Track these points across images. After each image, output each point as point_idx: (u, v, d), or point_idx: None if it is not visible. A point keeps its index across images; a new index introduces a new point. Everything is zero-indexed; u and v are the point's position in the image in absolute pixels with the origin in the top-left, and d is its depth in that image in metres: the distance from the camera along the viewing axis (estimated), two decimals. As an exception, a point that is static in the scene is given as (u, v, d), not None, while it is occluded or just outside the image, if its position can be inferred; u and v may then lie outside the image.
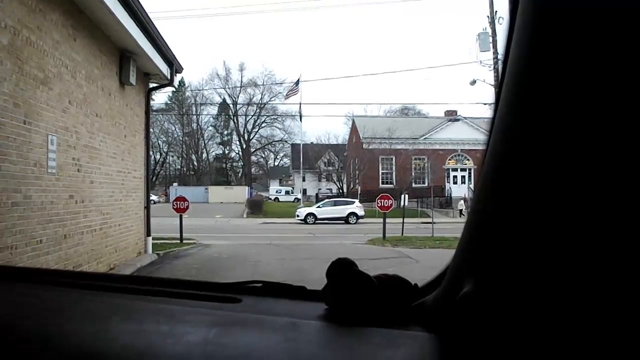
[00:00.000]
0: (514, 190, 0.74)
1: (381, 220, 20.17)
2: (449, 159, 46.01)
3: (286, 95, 51.40)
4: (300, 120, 54.14)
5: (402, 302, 1.11)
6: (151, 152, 16.90)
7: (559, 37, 0.64)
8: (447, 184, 43.89)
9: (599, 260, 0.62)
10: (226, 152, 76.86)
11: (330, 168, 55.88)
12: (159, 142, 68.98)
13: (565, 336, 0.67)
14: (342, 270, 1.13)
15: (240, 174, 76.21)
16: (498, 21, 24.38)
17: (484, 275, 0.84)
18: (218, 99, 73.47)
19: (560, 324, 0.68)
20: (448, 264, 1.01)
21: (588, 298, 0.64)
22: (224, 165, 76.91)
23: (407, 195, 25.21)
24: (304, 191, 53.82)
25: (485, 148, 0.82)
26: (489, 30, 24.92)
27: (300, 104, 51.75)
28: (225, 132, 75.60)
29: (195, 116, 72.37)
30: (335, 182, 53.15)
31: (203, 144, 74.92)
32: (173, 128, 72.61)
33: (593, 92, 0.61)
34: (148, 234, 12.52)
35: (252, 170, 76.15)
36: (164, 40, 11.37)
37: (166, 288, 1.39)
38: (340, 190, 49.63)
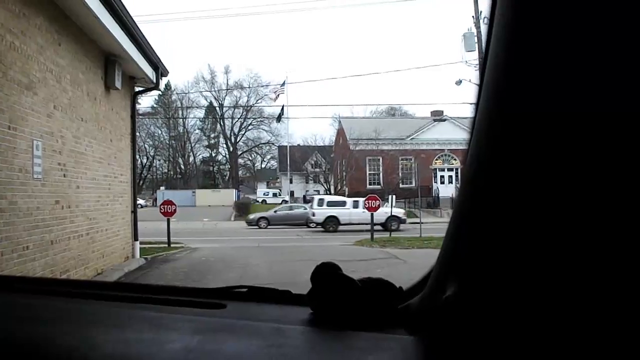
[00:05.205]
0: (495, 190, 0.73)
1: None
2: (436, 159, 46.07)
3: (275, 95, 51.58)
4: (278, 121, 54.34)
5: (387, 305, 1.10)
6: (137, 156, 16.80)
7: (538, 35, 0.64)
8: (434, 184, 43.88)
9: (582, 258, 0.62)
10: (213, 155, 76.31)
11: (318, 170, 55.76)
12: (146, 146, 68.30)
13: (551, 337, 0.66)
14: (326, 274, 1.13)
15: (227, 177, 75.69)
16: (483, 21, 24.39)
17: (467, 277, 0.83)
18: (204, 102, 72.90)
19: (545, 324, 0.67)
20: (433, 266, 1.00)
21: (573, 297, 0.64)
22: (211, 168, 76.32)
23: (394, 196, 25.29)
24: (292, 193, 53.64)
25: (467, 148, 0.81)
26: (474, 31, 25.01)
27: (283, 106, 51.85)
28: (212, 135, 75.02)
29: (181, 119, 71.92)
30: (322, 184, 53.11)
31: (190, 147, 74.33)
32: (159, 132, 71.98)
33: (573, 90, 0.61)
34: (135, 238, 12.43)
35: (240, 172, 75.64)
36: (149, 44, 11.32)
37: (149, 294, 1.37)
38: (328, 192, 49.53)
